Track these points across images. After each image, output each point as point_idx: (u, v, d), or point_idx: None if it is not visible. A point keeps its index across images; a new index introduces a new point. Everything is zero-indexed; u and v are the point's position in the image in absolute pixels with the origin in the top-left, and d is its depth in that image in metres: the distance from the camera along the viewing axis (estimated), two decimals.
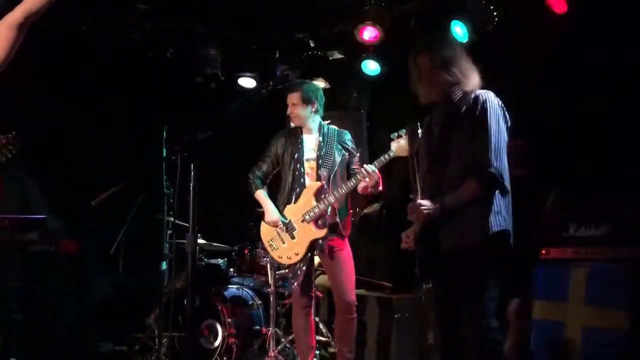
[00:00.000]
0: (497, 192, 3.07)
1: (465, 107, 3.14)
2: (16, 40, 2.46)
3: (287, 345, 5.13)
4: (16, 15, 2.45)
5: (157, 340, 5.02)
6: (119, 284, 5.87)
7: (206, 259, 5.75)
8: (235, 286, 5.55)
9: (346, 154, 4.42)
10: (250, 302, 5.45)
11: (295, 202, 4.36)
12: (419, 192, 3.14)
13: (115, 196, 5.21)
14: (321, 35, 6.12)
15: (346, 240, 4.37)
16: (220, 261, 5.82)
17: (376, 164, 4.06)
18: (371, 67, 5.84)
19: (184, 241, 3.91)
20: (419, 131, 3.45)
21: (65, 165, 5.84)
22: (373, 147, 5.81)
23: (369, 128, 6.05)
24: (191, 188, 3.78)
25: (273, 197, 4.49)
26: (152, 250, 4.93)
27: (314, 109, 4.42)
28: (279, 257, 4.42)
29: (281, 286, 5.29)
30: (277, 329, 5.13)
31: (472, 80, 3.18)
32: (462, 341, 3.07)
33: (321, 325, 5.24)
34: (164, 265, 4.79)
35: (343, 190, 4.23)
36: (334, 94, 4.63)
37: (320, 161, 4.35)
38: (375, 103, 6.29)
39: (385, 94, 5.99)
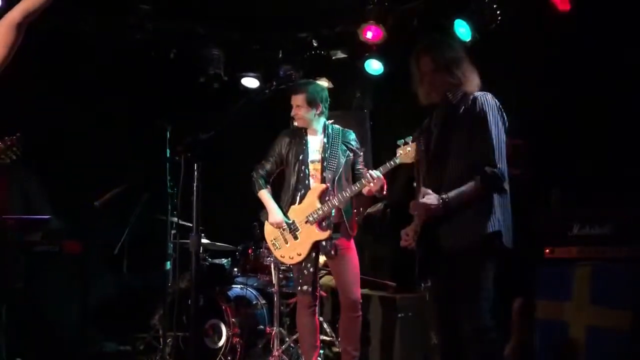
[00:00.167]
0: (494, 193, 3.09)
1: (464, 108, 3.18)
2: (15, 40, 2.45)
3: (291, 344, 5.14)
4: (15, 14, 2.44)
5: (161, 340, 5.02)
6: (123, 284, 5.88)
7: (210, 259, 5.76)
8: (239, 286, 5.55)
9: (351, 154, 4.41)
10: (254, 302, 5.45)
11: (299, 203, 4.36)
12: (422, 191, 3.16)
13: (119, 196, 5.23)
14: (324, 35, 6.12)
15: (352, 240, 4.38)
16: (224, 261, 5.83)
17: (381, 169, 4.04)
18: (374, 66, 5.84)
19: (188, 241, 3.92)
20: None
21: (67, 166, 5.85)
22: (376, 146, 5.82)
23: (372, 127, 6.04)
24: (195, 188, 3.78)
25: (275, 196, 4.48)
26: (156, 250, 4.95)
27: (318, 112, 4.40)
28: (281, 256, 4.42)
29: (285, 286, 5.29)
30: (281, 329, 5.13)
31: (473, 81, 3.23)
32: (462, 341, 3.09)
33: (325, 325, 5.25)
34: (168, 265, 4.81)
35: (347, 194, 4.22)
36: (337, 94, 4.62)
37: (325, 163, 4.34)
38: (378, 102, 6.29)
39: (389, 94, 5.98)
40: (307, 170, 4.36)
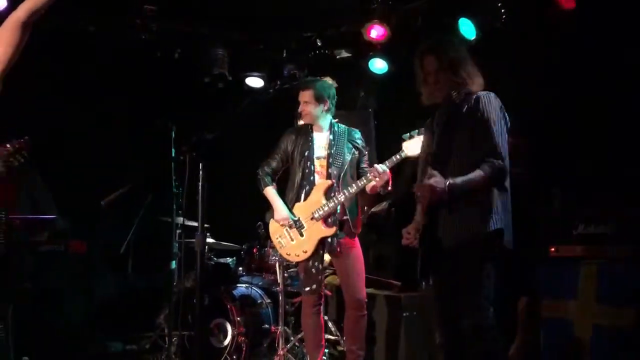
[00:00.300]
0: (495, 191, 3.10)
1: (466, 107, 3.19)
2: (21, 39, 2.46)
3: (297, 344, 5.14)
4: (20, 14, 2.45)
5: (167, 339, 5.03)
6: (129, 283, 5.90)
7: (215, 258, 5.77)
8: (244, 285, 5.56)
9: (356, 152, 4.41)
10: (259, 301, 5.46)
11: (304, 200, 4.36)
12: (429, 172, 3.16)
13: (124, 196, 5.25)
14: (328, 34, 6.12)
15: (356, 238, 4.38)
16: (229, 260, 5.84)
17: (387, 163, 4.05)
18: (378, 65, 5.84)
19: (193, 240, 3.93)
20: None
21: (69, 166, 5.86)
22: (381, 145, 5.82)
23: (376, 127, 6.04)
24: (200, 188, 3.79)
25: (281, 194, 4.49)
26: (161, 250, 4.96)
27: (325, 108, 4.41)
28: (287, 254, 4.42)
29: (290, 285, 5.30)
30: (286, 328, 5.14)
31: (477, 81, 3.24)
32: (464, 339, 3.09)
33: (330, 324, 5.25)
34: (174, 265, 4.82)
35: (353, 189, 4.23)
36: (341, 93, 4.62)
37: (331, 159, 4.35)
38: (382, 101, 6.29)
39: (393, 93, 5.98)
40: (312, 167, 4.36)
